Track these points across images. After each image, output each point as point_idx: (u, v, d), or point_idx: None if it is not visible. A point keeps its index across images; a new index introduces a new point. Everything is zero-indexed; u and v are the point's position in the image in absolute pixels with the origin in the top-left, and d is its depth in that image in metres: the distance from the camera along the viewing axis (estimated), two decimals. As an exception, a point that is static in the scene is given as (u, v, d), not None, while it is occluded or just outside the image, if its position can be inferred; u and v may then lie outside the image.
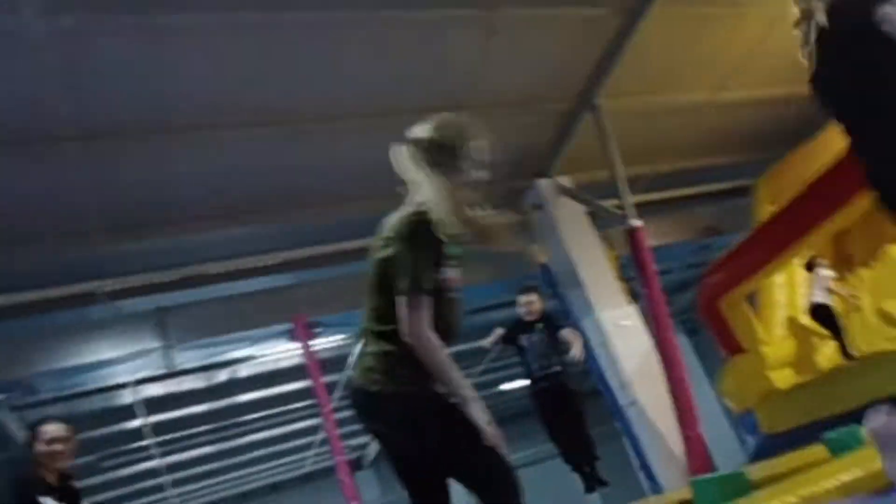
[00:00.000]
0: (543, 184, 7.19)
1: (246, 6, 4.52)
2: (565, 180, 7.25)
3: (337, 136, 5.79)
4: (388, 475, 16.48)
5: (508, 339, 5.82)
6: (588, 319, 7.02)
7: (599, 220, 7.31)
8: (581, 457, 5.74)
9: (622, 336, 6.99)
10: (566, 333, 5.65)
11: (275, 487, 16.39)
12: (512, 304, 9.64)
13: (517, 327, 5.80)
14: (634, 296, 7.32)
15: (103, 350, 6.67)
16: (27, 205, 5.29)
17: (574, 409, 5.68)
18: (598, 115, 6.36)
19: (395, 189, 6.71)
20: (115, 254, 5.93)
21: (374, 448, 15.31)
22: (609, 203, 6.90)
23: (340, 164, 6.04)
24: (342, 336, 8.68)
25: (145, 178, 5.43)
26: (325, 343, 8.28)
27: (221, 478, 14.15)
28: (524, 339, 5.73)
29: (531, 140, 6.72)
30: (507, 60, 5.65)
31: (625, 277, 7.42)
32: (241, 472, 14.38)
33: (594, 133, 6.47)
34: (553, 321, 5.79)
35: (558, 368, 5.66)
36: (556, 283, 7.39)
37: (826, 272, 7.12)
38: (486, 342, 5.87)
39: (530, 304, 5.80)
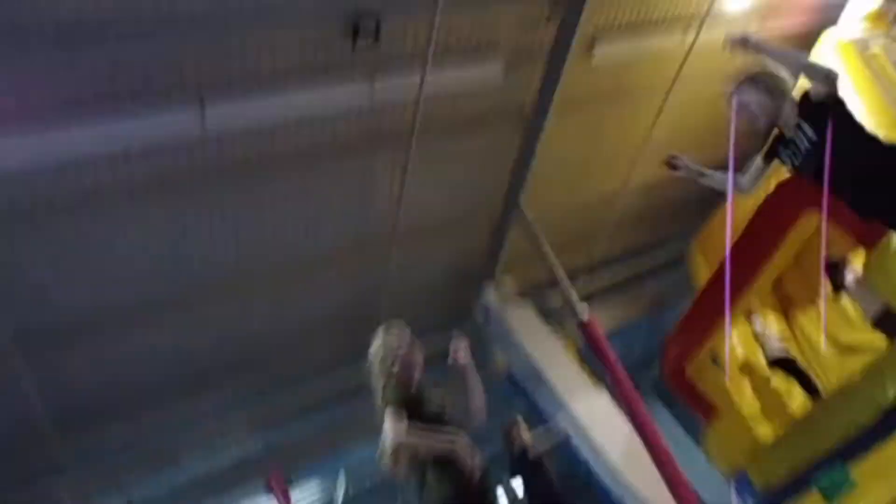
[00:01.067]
0: (489, 295, 7.38)
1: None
2: (509, 286, 7.46)
3: (285, 289, 5.94)
4: None
5: None
6: (562, 414, 7.00)
7: (552, 314, 7.48)
8: None
9: (599, 424, 6.95)
10: None
11: None
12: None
13: None
14: (603, 381, 7.36)
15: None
16: None
17: None
18: (524, 220, 6.65)
19: (350, 328, 6.54)
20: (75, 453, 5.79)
21: None
22: (556, 297, 7.11)
23: (294, 316, 6.17)
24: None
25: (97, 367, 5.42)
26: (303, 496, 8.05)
27: None
28: None
29: (468, 257, 6.98)
30: (426, 191, 5.97)
31: (589, 365, 7.48)
32: None
33: (525, 237, 6.77)
34: None
35: None
36: (523, 386, 7.41)
37: (767, 323, 7.33)
38: None
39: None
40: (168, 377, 5.90)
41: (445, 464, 2.76)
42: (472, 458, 2.73)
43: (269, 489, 6.65)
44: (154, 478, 6.39)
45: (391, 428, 2.74)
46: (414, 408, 2.93)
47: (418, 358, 3.17)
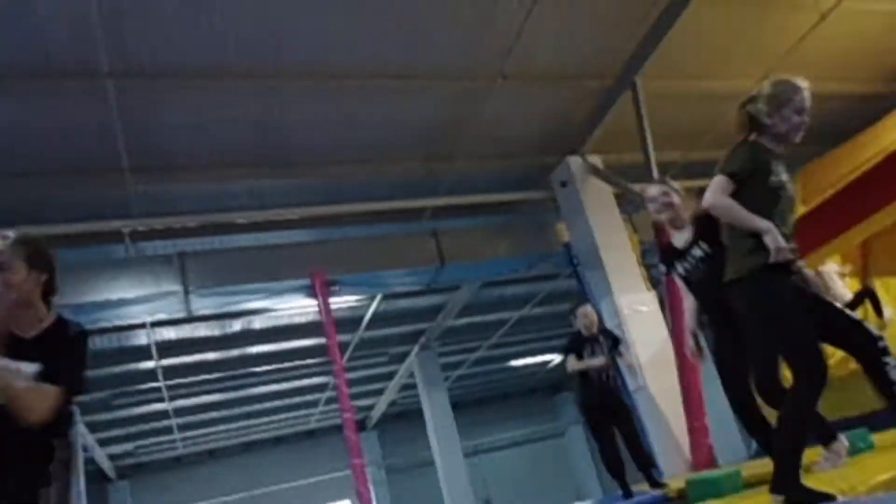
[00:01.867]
0: (573, 161, 7.12)
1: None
2: (595, 159, 7.17)
3: (371, 96, 5.75)
4: (390, 438, 16.76)
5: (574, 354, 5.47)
6: (605, 301, 7.00)
7: (626, 203, 7.24)
8: (641, 466, 5.55)
9: (638, 321, 6.95)
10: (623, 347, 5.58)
11: (278, 441, 16.64)
12: (529, 280, 9.72)
13: (578, 342, 5.66)
14: (654, 283, 7.28)
15: (122, 289, 6.68)
16: (60, 139, 5.32)
17: (631, 420, 5.45)
18: (636, 94, 6.25)
19: (426, 153, 6.64)
20: (143, 195, 5.96)
21: (378, 410, 15.51)
22: (638, 186, 6.85)
23: (374, 123, 6.02)
24: (358, 297, 8.72)
25: (180, 123, 5.46)
26: (340, 302, 8.32)
27: (226, 426, 14.37)
28: (587, 353, 5.59)
29: (565, 116, 6.64)
30: (549, 32, 5.56)
31: (646, 263, 7.37)
32: (247, 423, 14.59)
33: (630, 113, 6.39)
34: (611, 334, 5.61)
35: (618, 382, 5.51)
36: (576, 262, 7.35)
37: (832, 267, 7.02)
38: (569, 368, 5.62)
39: (588, 316, 5.52)
40: (255, 147, 5.95)
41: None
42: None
43: (311, 288, 6.84)
44: (208, 238, 6.60)
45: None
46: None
47: None
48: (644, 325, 6.94)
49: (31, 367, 2.23)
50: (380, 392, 14.38)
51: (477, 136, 6.53)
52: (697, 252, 3.59)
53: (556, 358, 15.31)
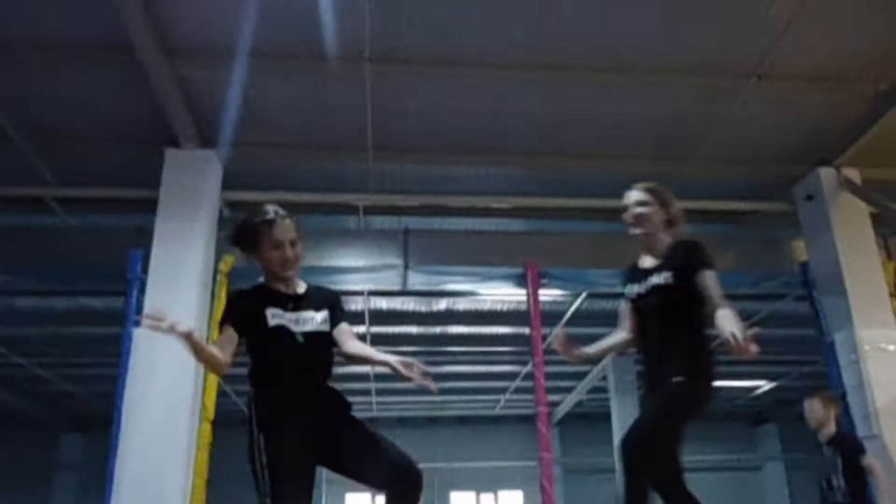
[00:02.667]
0: (824, 173, 6.39)
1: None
2: (852, 173, 6.38)
3: (612, 90, 5.61)
4: (571, 437, 16.53)
5: None
6: (843, 333, 6.25)
7: (885, 224, 6.37)
8: None
9: (880, 361, 6.13)
10: (868, 461, 4.77)
11: (463, 420, 17.13)
12: (749, 297, 8.94)
13: None
14: (905, 322, 6.35)
15: (351, 258, 7.23)
16: (316, 115, 5.84)
17: None
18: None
19: (658, 152, 6.38)
20: (379, 172, 6.36)
21: (563, 408, 15.36)
22: (902, 208, 6.01)
23: (609, 118, 5.89)
24: (564, 291, 8.64)
25: (420, 108, 5.74)
26: (545, 295, 8.30)
27: (417, 398, 15.08)
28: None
29: (825, 122, 5.97)
30: (824, 25, 4.99)
31: (899, 299, 6.45)
32: (436, 398, 15.19)
33: (904, 124, 5.60)
34: (850, 442, 4.92)
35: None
36: (813, 286, 6.62)
37: None
38: None
39: (814, 411, 4.90)
40: (484, 135, 6.13)
41: None
42: None
43: (522, 277, 6.88)
44: (430, 218, 6.91)
45: None
46: None
47: None
48: (887, 366, 6.09)
49: None
50: (568, 390, 14.21)
51: (717, 138, 6.10)
52: (655, 279, 3.02)
53: (763, 385, 14.06)
